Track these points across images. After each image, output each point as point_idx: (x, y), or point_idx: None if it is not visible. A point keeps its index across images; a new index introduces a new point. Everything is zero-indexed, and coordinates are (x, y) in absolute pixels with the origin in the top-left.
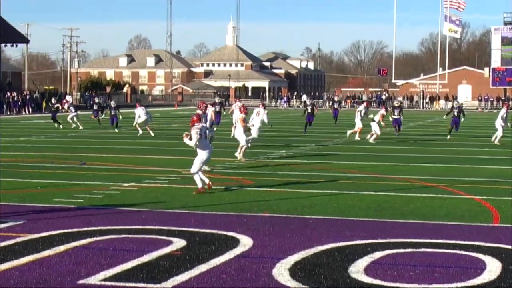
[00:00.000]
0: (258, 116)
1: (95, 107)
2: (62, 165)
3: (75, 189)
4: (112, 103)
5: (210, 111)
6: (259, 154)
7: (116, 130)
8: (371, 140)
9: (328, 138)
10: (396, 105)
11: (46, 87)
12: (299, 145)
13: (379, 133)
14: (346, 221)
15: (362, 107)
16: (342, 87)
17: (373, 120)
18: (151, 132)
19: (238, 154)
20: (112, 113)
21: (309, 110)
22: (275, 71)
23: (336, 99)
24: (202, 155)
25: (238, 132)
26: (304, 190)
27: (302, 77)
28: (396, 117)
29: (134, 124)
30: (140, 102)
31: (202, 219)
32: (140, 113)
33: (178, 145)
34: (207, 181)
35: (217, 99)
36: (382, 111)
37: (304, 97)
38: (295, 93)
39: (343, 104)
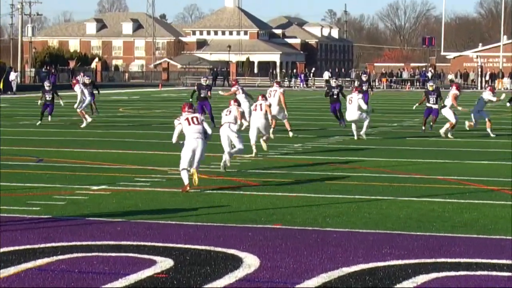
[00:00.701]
0: (351, 104)
1: (88, 90)
2: (12, 163)
3: (29, 193)
4: (46, 85)
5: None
6: (268, 148)
7: (48, 119)
8: (443, 133)
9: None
10: (431, 88)
11: None
12: (320, 137)
13: (454, 121)
14: (380, 236)
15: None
16: (376, 62)
17: (444, 105)
18: (87, 117)
19: (264, 144)
20: (48, 98)
21: (335, 94)
22: (289, 41)
23: (364, 78)
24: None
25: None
26: (326, 195)
27: (324, 48)
28: (431, 105)
29: (77, 108)
30: (77, 79)
31: (194, 232)
32: (85, 93)
33: (164, 136)
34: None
35: (203, 81)
36: (454, 90)
37: (327, 75)
38: (314, 69)
39: (377, 83)
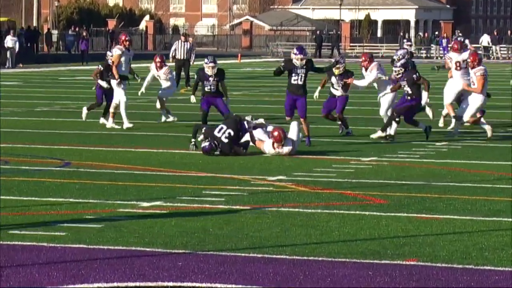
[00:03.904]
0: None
1: None
2: (26, 167)
3: (50, 212)
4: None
5: None
6: (397, 148)
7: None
8: None
9: None
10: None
11: None
12: (475, 131)
13: None
14: None
15: None
16: None
17: None
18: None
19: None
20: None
21: None
22: None
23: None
24: None
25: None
26: (483, 218)
27: (482, 1)
28: None
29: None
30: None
31: (289, 270)
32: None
33: None
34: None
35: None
36: None
37: (486, 40)
38: (460, 34)
39: None
